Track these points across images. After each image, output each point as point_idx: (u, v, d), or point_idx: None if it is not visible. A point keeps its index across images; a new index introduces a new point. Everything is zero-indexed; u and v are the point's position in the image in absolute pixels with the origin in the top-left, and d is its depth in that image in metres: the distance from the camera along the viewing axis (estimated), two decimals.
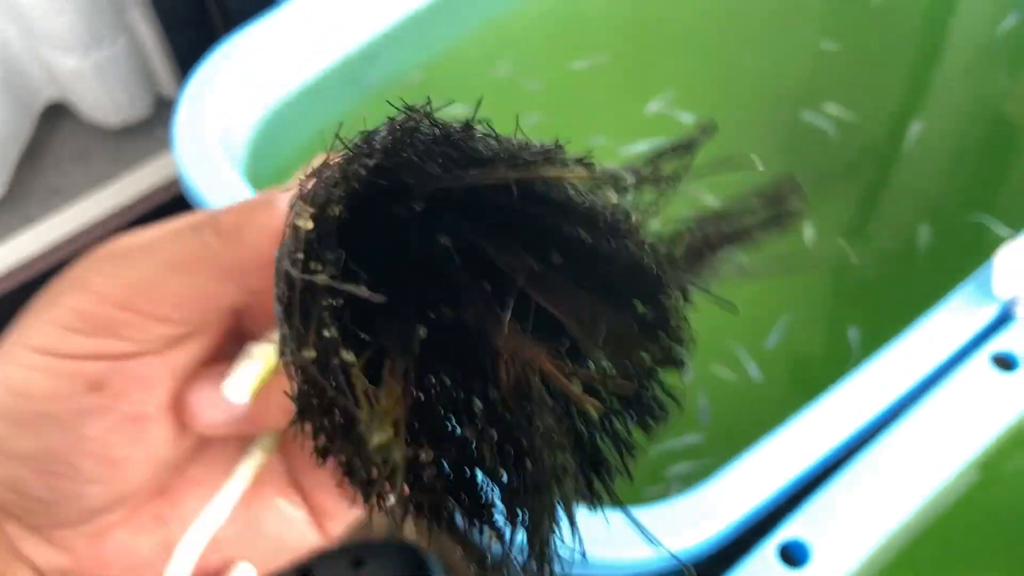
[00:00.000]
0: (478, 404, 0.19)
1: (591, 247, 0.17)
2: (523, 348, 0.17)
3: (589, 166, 0.17)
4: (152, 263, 0.21)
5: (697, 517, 0.47)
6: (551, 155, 0.16)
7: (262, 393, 0.23)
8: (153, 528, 0.24)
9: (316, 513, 0.25)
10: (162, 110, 1.08)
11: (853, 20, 0.87)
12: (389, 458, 0.15)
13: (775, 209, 0.17)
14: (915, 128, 0.78)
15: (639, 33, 0.87)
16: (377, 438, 0.15)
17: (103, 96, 0.97)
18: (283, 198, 0.22)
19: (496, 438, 0.18)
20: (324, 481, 0.24)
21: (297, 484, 0.25)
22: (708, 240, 0.17)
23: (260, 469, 0.25)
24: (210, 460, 0.25)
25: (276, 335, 0.20)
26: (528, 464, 0.17)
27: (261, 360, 0.22)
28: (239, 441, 0.25)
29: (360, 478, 0.17)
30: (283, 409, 0.22)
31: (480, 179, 0.16)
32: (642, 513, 0.47)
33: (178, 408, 0.23)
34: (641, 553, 0.46)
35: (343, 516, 0.25)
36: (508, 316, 0.17)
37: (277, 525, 0.25)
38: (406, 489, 0.18)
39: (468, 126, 0.17)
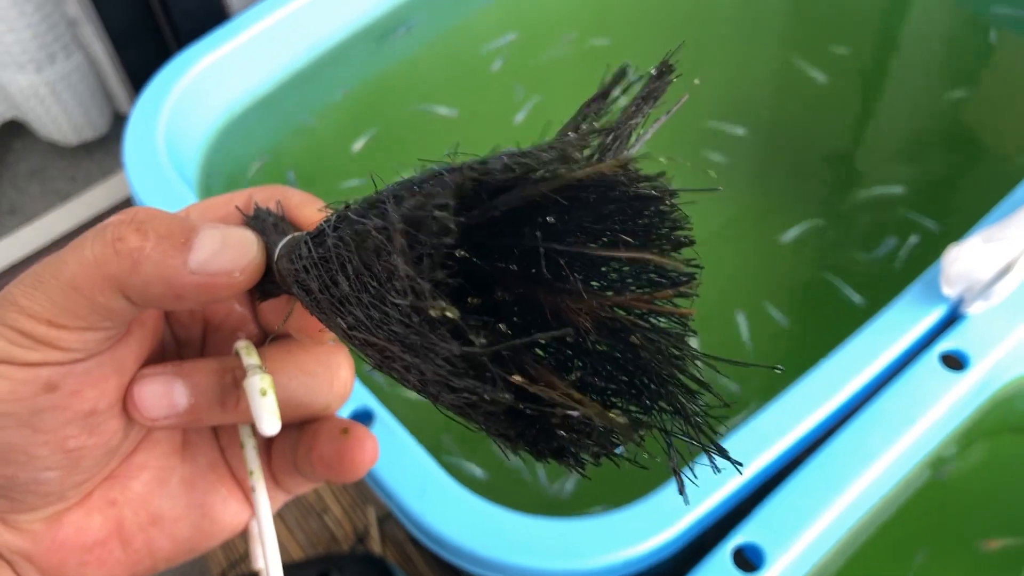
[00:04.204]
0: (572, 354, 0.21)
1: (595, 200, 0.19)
2: (596, 297, 0.20)
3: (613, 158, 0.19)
4: (57, 283, 0.22)
5: (651, 523, 0.47)
6: (565, 153, 0.18)
7: (203, 391, 0.25)
8: (105, 509, 0.26)
9: (247, 494, 0.28)
10: (120, 126, 1.07)
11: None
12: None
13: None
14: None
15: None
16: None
17: (59, 114, 0.96)
18: (199, 250, 0.22)
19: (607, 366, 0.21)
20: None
21: (231, 470, 0.28)
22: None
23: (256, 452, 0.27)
24: (152, 446, 0.26)
25: (244, 356, 0.24)
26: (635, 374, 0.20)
27: (268, 389, 0.24)
28: (178, 429, 0.27)
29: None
30: (219, 403, 0.25)
31: (520, 198, 0.18)
32: (595, 521, 0.47)
33: (126, 404, 0.24)
34: (595, 562, 0.46)
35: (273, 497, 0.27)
36: (577, 281, 0.20)
37: (215, 505, 0.27)
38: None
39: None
